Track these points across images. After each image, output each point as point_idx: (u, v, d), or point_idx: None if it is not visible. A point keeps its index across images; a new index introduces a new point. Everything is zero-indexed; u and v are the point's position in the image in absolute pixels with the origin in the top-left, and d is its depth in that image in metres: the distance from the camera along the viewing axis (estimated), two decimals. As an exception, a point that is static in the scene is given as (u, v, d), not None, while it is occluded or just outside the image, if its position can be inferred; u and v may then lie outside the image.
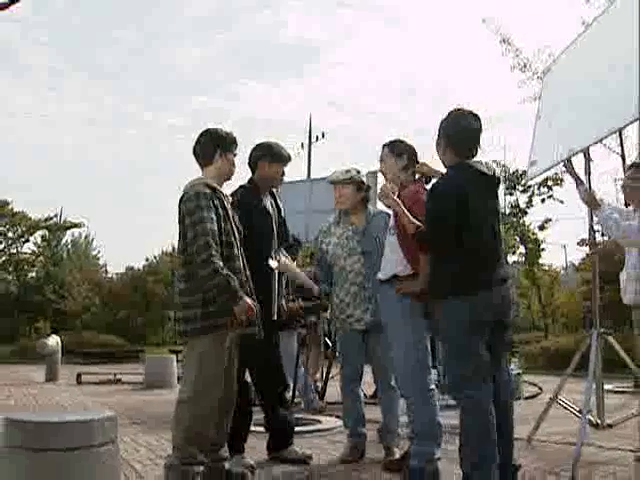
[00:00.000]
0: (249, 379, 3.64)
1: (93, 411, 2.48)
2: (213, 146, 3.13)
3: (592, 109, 3.87)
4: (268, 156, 3.69)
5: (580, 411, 3.67)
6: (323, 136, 25.19)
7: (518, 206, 15.73)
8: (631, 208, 4.01)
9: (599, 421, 3.85)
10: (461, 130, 2.85)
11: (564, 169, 4.21)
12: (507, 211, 16.02)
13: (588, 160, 3.96)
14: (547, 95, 4.72)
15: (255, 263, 3.34)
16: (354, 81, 53.24)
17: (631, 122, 3.39)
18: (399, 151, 3.38)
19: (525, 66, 13.22)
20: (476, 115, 2.90)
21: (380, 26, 51.81)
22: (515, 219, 15.45)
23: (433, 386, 3.21)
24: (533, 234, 15.52)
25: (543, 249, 15.47)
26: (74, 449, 2.13)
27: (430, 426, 3.10)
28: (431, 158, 3.19)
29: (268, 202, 3.74)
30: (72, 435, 2.13)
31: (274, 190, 3.87)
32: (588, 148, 3.89)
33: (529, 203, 15.46)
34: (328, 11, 53.70)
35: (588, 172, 3.94)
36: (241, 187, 3.70)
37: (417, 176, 3.44)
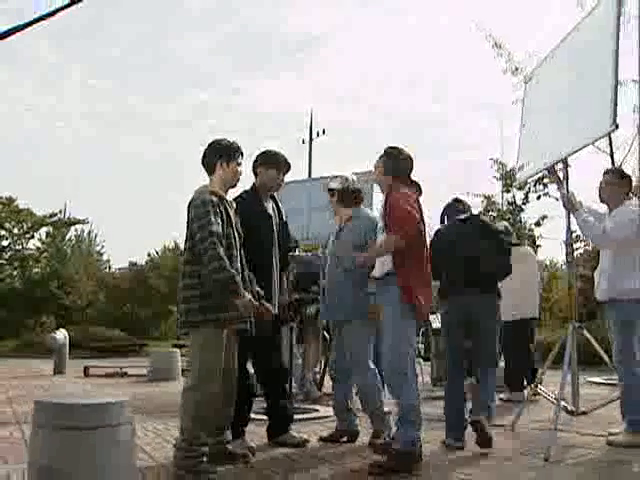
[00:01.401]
0: (251, 370, 3.96)
1: (111, 396, 2.78)
2: (216, 157, 3.44)
3: (570, 119, 4.13)
4: (266, 163, 3.99)
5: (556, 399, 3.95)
6: (324, 132, 25.43)
7: (515, 203, 15.99)
8: (607, 210, 4.26)
9: (574, 408, 4.14)
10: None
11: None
12: (504, 208, 16.29)
13: (566, 167, 4.24)
14: (529, 103, 4.99)
15: (256, 262, 3.66)
16: (355, 73, 53.26)
17: (606, 134, 3.66)
18: (394, 158, 3.61)
19: (517, 69, 13.47)
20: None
21: (380, 17, 51.81)
22: (511, 216, 15.71)
23: (415, 376, 3.46)
24: (529, 230, 15.77)
25: (539, 245, 15.71)
26: (95, 428, 2.43)
27: (411, 412, 3.35)
28: None
29: (270, 206, 4.02)
30: (93, 416, 2.43)
31: (275, 195, 4.15)
32: (566, 157, 4.17)
33: (525, 200, 15.72)
34: (328, 3, 53.73)
35: (566, 178, 4.22)
36: (244, 192, 4.00)
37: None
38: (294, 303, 4.31)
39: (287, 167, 4.07)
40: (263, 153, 4.05)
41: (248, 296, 3.20)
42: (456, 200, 4.36)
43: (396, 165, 3.62)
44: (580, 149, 3.90)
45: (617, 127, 3.47)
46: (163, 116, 45.68)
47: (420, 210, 3.54)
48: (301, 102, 53.01)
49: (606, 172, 4.32)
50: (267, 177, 3.98)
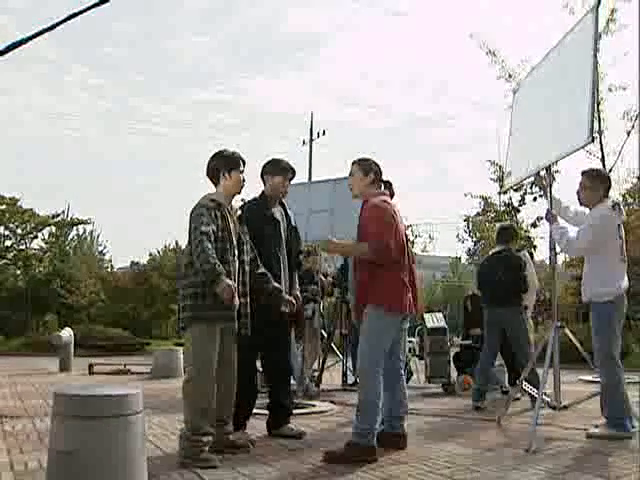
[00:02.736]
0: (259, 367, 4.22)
1: (124, 387, 3.03)
2: (218, 168, 3.69)
3: (552, 131, 4.38)
4: (272, 170, 4.23)
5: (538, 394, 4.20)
6: (324, 133, 25.66)
7: (511, 204, 16.24)
8: (587, 210, 4.45)
9: (556, 404, 4.39)
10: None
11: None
12: (501, 209, 16.54)
13: (550, 175, 4.48)
14: (517, 112, 5.23)
15: (264, 265, 3.93)
16: (355, 73, 53.56)
17: (582, 147, 3.90)
18: (367, 169, 3.84)
19: (510, 76, 13.78)
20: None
21: (380, 17, 52.00)
22: (508, 217, 15.96)
23: (380, 372, 3.59)
24: (525, 231, 16.03)
25: (535, 246, 15.98)
26: (111, 417, 2.66)
27: (369, 406, 3.53)
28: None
29: (278, 212, 4.26)
30: (110, 405, 2.67)
31: (284, 201, 4.37)
32: (550, 166, 4.41)
33: (522, 201, 15.97)
34: (328, 3, 53.85)
35: (550, 185, 4.46)
36: (253, 199, 4.25)
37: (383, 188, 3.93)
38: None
39: (292, 174, 4.30)
40: (269, 162, 4.29)
41: (227, 282, 3.35)
42: (502, 228, 6.25)
43: (370, 176, 3.82)
44: (558, 160, 4.14)
45: (593, 140, 3.71)
46: (164, 116, 45.96)
47: (395, 214, 3.70)
48: (301, 101, 53.27)
49: (582, 173, 4.34)
50: (273, 184, 4.22)
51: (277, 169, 4.22)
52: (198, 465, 3.31)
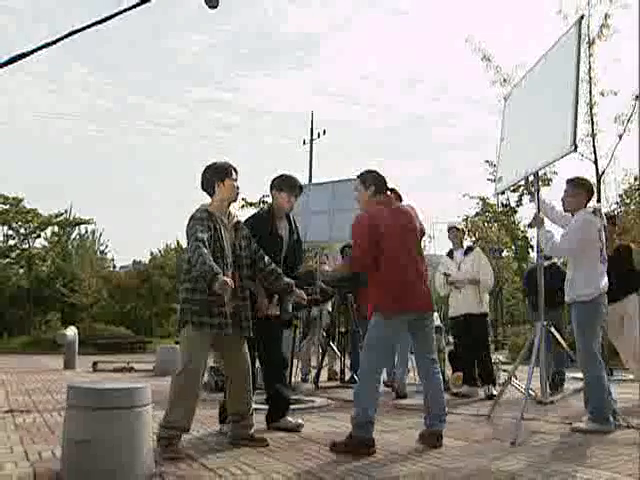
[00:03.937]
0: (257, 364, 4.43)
1: (133, 383, 3.24)
2: (211, 179, 3.86)
3: (538, 138, 4.58)
4: (278, 186, 4.41)
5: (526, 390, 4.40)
6: (324, 133, 25.80)
7: (509, 205, 16.42)
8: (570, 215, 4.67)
9: (543, 399, 4.59)
10: None
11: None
12: (499, 210, 16.73)
13: (537, 180, 4.68)
14: (508, 119, 5.43)
15: None
16: (354, 72, 53.75)
17: (565, 155, 4.11)
18: (367, 182, 3.99)
19: (505, 81, 13.99)
20: None
21: (380, 17, 52.20)
22: (505, 217, 16.15)
23: (379, 371, 3.86)
24: (522, 232, 16.22)
25: (532, 246, 16.16)
26: (122, 408, 2.88)
27: (363, 401, 3.73)
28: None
29: (282, 226, 4.42)
30: (120, 398, 2.89)
31: (292, 217, 4.51)
32: (537, 171, 4.61)
33: (519, 202, 16.17)
34: (328, 3, 54.06)
35: (537, 190, 4.67)
36: (260, 212, 4.41)
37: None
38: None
39: (299, 190, 4.46)
40: (277, 177, 4.46)
41: (224, 278, 3.47)
42: None
43: (371, 188, 3.96)
44: (544, 167, 4.34)
45: (576, 148, 3.92)
46: (163, 115, 46.12)
47: (391, 218, 3.83)
48: (301, 101, 53.43)
49: (567, 182, 4.59)
50: (279, 200, 4.40)
51: (284, 185, 4.38)
52: (164, 456, 3.48)
